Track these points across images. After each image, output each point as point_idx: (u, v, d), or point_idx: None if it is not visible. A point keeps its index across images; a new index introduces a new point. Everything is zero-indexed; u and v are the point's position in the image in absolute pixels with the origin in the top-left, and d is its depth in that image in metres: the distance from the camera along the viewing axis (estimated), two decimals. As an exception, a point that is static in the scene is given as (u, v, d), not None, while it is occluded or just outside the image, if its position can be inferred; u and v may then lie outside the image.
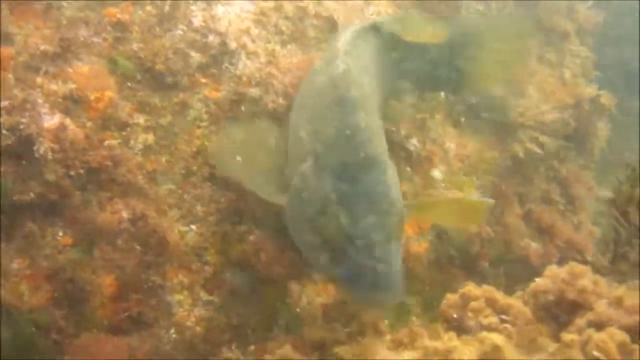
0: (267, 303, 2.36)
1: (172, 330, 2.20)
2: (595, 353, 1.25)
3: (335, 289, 2.41)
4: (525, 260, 2.87)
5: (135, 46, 2.32)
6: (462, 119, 2.97)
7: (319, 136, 1.77)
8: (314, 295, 2.48)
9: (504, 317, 1.72)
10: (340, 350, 1.67)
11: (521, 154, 2.87)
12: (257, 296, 2.35)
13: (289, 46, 2.61)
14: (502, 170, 2.94)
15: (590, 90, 3.12)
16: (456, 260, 2.77)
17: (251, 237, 2.34)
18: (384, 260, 1.55)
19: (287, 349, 1.68)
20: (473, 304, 1.72)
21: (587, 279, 1.50)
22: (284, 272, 2.38)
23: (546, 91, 3.03)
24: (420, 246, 2.73)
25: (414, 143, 2.73)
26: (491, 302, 1.73)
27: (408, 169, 2.74)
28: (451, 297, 1.74)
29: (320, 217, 1.64)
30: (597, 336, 1.28)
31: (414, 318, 2.50)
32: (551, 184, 3.01)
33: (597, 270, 1.88)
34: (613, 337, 1.31)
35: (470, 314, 1.71)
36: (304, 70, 2.50)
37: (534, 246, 2.87)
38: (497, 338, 1.39)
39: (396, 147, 2.72)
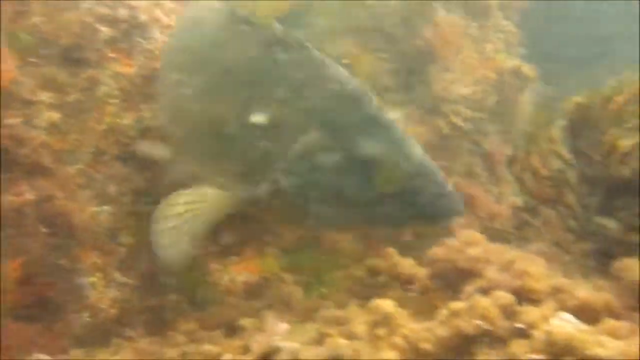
0: (186, 282, 2.33)
1: (86, 314, 2.14)
2: (477, 321, 1.27)
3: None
4: (450, 232, 2.92)
5: (37, 19, 2.21)
6: (390, 95, 2.99)
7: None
8: (235, 273, 2.47)
9: (408, 286, 1.75)
10: (244, 322, 1.66)
11: (446, 129, 2.90)
12: (176, 276, 2.31)
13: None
14: (427, 145, 2.98)
15: (511, 64, 3.17)
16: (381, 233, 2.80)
17: (168, 216, 2.29)
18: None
19: (192, 325, 1.65)
20: (380, 277, 1.74)
21: (479, 247, 1.53)
22: (203, 250, 2.36)
23: (469, 65, 3.07)
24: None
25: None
26: (396, 273, 1.75)
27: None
28: (357, 270, 1.76)
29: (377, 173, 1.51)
30: (481, 302, 1.30)
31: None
32: (474, 157, 3.06)
33: (503, 237, 1.93)
34: (497, 300, 1.34)
35: (376, 287, 1.73)
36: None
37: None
38: (388, 306, 1.41)
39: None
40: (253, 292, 2.43)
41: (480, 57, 3.12)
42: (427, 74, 3.02)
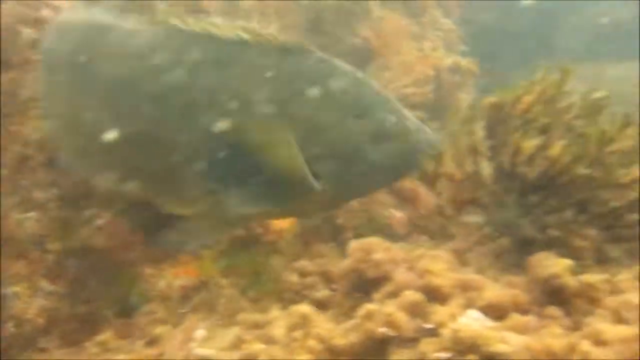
0: (119, 289, 2.28)
1: (10, 324, 2.08)
2: (382, 329, 1.28)
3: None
4: (390, 229, 2.95)
5: (-48, 21, 2.13)
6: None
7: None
8: (172, 277, 2.44)
9: (334, 286, 1.76)
10: (161, 329, 1.64)
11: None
12: (107, 282, 2.27)
13: (136, 20, 2.49)
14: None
15: (449, 60, 3.21)
16: (322, 232, 2.80)
17: (99, 222, 2.24)
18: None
19: (110, 335, 1.62)
20: (308, 279, 1.74)
21: (380, 251, 1.54)
22: (137, 255, 2.31)
23: (408, 63, 3.09)
24: (285, 221, 2.74)
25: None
26: (326, 275, 1.76)
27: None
28: (289, 276, 1.75)
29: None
30: (385, 309, 1.32)
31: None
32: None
33: (429, 233, 1.95)
34: (404, 301, 1.35)
35: (305, 290, 1.73)
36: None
37: (398, 215, 2.95)
38: (305, 309, 1.41)
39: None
40: (190, 296, 2.40)
41: (418, 55, 3.15)
42: (366, 72, 3.03)
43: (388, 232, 3.01)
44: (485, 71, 4.34)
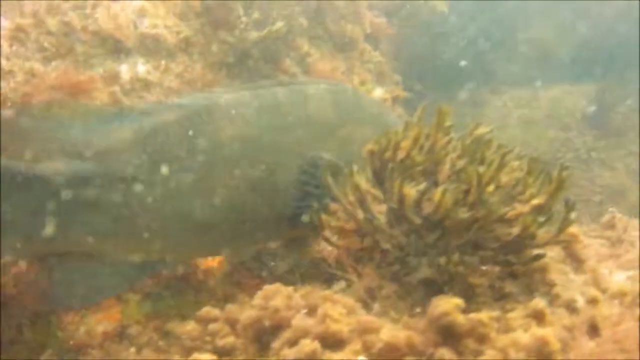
0: (35, 339, 2.23)
1: None
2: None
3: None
4: (322, 262, 2.96)
5: None
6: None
7: None
8: (94, 323, 2.39)
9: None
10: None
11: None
12: (23, 333, 2.21)
13: (53, 63, 2.48)
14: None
15: (378, 93, 3.28)
16: (253, 270, 2.79)
17: (13, 270, 2.19)
18: None
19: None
20: (212, 325, 1.72)
21: (280, 298, 1.54)
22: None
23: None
24: (214, 260, 2.72)
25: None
26: (232, 322, 1.74)
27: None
28: (189, 325, 1.73)
29: None
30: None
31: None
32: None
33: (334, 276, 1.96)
34: (301, 350, 1.36)
35: (208, 337, 1.71)
36: (68, 88, 2.40)
37: (329, 248, 2.96)
38: (205, 358, 1.40)
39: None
40: (113, 341, 2.35)
41: (347, 89, 3.20)
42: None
43: (324, 268, 3.05)
44: (420, 100, 4.45)
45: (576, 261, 1.86)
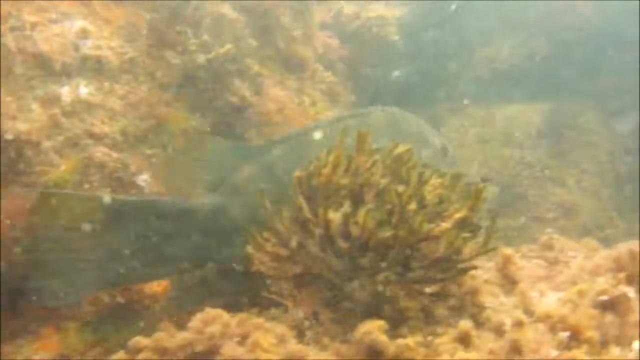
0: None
1: None
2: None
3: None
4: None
5: None
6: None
7: None
8: (31, 353, 2.32)
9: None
10: None
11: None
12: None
13: (-11, 87, 2.42)
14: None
15: (331, 115, 3.29)
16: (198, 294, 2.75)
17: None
18: None
19: None
20: (140, 355, 1.68)
21: (215, 324, 1.52)
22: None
23: (287, 118, 3.14)
24: (160, 285, 2.67)
25: (144, 179, 2.67)
26: (161, 351, 1.70)
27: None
28: (117, 356, 1.68)
29: None
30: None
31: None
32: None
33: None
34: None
35: (138, 367, 1.66)
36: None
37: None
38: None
39: (124, 185, 2.65)
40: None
41: (298, 110, 3.21)
42: (246, 130, 3.05)
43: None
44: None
45: (510, 283, 1.88)
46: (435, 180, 1.79)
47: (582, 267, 1.82)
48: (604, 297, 1.52)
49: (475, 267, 1.73)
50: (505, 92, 5.31)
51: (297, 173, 1.72)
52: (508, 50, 5.61)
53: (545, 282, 1.92)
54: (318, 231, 1.63)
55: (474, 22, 5.34)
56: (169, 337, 1.67)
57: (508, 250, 1.93)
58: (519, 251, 2.31)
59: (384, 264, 1.62)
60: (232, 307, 2.43)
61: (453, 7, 5.11)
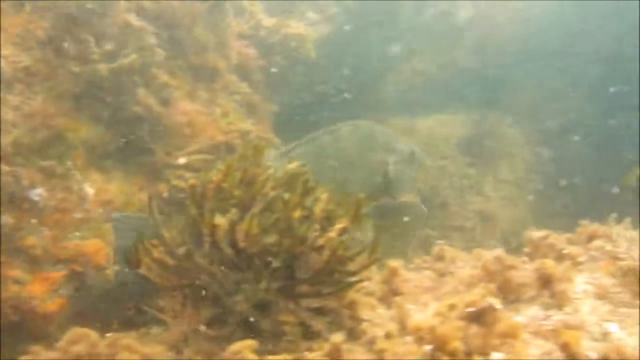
0: None
1: None
2: None
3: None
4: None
5: None
6: (109, 163, 2.90)
7: None
8: None
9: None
10: None
11: (165, 194, 2.87)
12: None
13: None
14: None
15: (244, 126, 3.26)
16: (101, 312, 2.65)
17: None
18: None
19: None
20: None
21: (84, 343, 1.47)
22: None
23: (197, 129, 3.09)
24: (54, 304, 2.57)
25: (38, 193, 2.56)
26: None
27: (34, 220, 2.57)
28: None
29: None
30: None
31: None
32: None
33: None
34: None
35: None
36: None
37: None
38: None
39: (16, 199, 2.53)
40: None
41: (209, 121, 3.16)
42: (149, 140, 2.98)
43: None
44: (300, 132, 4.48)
45: (393, 295, 1.90)
46: (323, 195, 1.80)
47: (461, 278, 1.86)
48: (471, 309, 1.54)
49: (360, 281, 1.74)
50: (428, 103, 5.43)
51: (192, 181, 1.70)
52: (431, 63, 5.74)
53: (430, 293, 1.95)
54: (206, 238, 1.61)
55: (398, 35, 5.43)
56: (34, 358, 1.60)
57: (394, 263, 1.95)
58: (413, 262, 2.35)
59: (265, 273, 1.60)
60: (129, 324, 2.38)
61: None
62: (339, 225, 1.70)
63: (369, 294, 1.80)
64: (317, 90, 4.68)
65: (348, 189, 2.88)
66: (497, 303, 1.55)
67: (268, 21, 4.02)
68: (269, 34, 3.97)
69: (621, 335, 1.62)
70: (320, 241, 1.65)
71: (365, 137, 2.99)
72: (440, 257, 2.24)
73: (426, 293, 1.95)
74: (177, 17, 3.23)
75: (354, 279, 1.73)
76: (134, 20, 2.99)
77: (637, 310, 1.74)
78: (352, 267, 1.73)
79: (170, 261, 1.70)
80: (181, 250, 1.68)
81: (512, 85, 5.70)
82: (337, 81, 4.91)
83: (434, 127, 5.29)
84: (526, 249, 2.16)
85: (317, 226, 1.66)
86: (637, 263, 1.91)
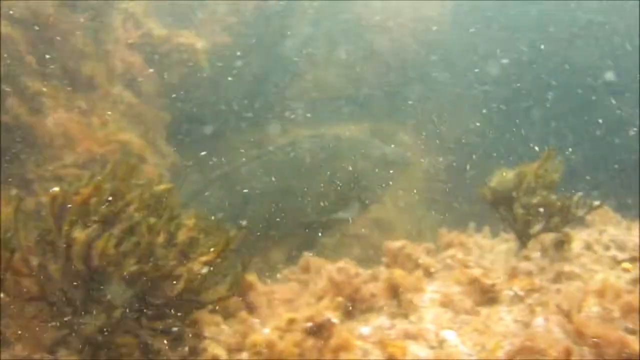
0: None
1: None
2: None
3: None
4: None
5: None
6: None
7: None
8: None
9: None
10: None
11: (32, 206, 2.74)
12: None
13: None
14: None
15: (125, 137, 3.17)
16: None
17: None
18: None
19: None
20: None
21: None
22: None
23: (71, 140, 2.97)
24: None
25: None
26: None
27: None
28: None
29: None
30: None
31: None
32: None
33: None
34: None
35: None
36: None
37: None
38: None
39: None
40: None
41: (85, 131, 3.05)
42: (19, 151, 2.84)
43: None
44: (196, 142, 4.43)
45: (249, 309, 1.90)
46: (189, 222, 1.78)
47: (313, 291, 1.88)
48: (309, 324, 1.57)
49: (205, 305, 1.73)
50: (332, 114, 5.51)
51: (53, 192, 1.63)
52: (333, 74, 5.83)
53: (287, 305, 1.96)
54: (60, 251, 1.54)
55: (300, 47, 5.48)
56: None
57: (250, 277, 1.95)
58: (281, 273, 2.37)
59: (119, 298, 1.56)
60: None
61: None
62: (202, 258, 1.69)
63: (214, 311, 1.78)
64: (214, 101, 4.63)
65: (306, 196, 3.38)
66: (333, 317, 1.58)
67: (159, 31, 3.94)
68: (160, 44, 3.90)
69: (456, 342, 1.69)
70: (180, 270, 1.63)
71: (328, 146, 3.38)
72: (305, 269, 2.26)
73: (284, 305, 1.96)
74: (54, 23, 3.10)
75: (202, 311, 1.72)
76: (4, 26, 2.85)
77: (477, 317, 1.83)
78: (206, 297, 1.73)
79: (24, 270, 1.62)
80: (34, 261, 1.61)
81: (414, 97, 5.89)
82: (236, 91, 4.88)
83: (339, 136, 5.36)
84: (384, 259, 2.23)
85: (174, 255, 1.63)
86: (482, 271, 2.01)
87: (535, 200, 2.12)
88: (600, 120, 5.50)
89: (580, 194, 2.20)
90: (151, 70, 3.73)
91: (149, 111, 3.67)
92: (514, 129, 5.84)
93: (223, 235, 1.77)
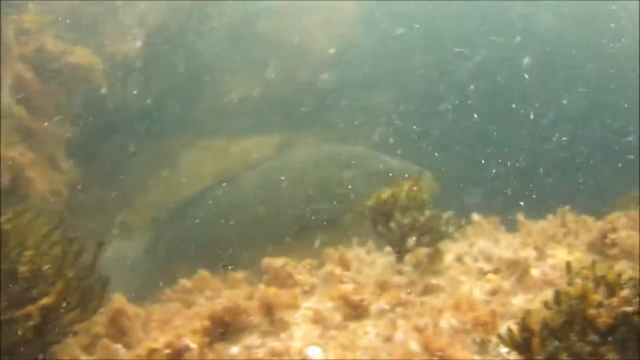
0: None
1: None
2: None
3: None
4: None
5: None
6: None
7: None
8: None
9: None
10: None
11: None
12: None
13: None
14: None
15: (9, 153, 3.05)
16: None
17: None
18: None
19: None
20: None
21: None
22: None
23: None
24: None
25: None
26: None
27: None
28: None
29: None
30: None
31: None
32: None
33: None
34: None
35: None
36: None
37: None
38: None
39: None
40: None
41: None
42: None
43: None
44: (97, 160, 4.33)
45: (122, 334, 1.89)
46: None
47: (198, 312, 1.90)
48: (168, 351, 1.59)
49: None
50: (243, 126, 5.50)
51: None
52: (242, 86, 5.82)
53: (160, 329, 1.96)
54: None
55: (210, 58, 5.45)
56: None
57: (120, 300, 1.94)
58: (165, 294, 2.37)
59: None
60: None
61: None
62: (44, 301, 1.66)
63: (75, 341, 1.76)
64: (118, 115, 4.53)
65: (298, 203, 3.63)
66: (190, 343, 1.60)
67: (55, 45, 3.81)
68: (53, 59, 3.77)
69: (319, 358, 1.75)
70: (19, 316, 1.60)
71: (314, 158, 3.69)
72: (187, 289, 2.27)
73: (158, 329, 1.96)
74: None
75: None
76: None
77: (344, 332, 1.90)
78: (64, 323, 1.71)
79: None
80: None
81: (326, 109, 5.97)
82: (140, 104, 4.80)
83: (248, 148, 5.39)
84: (265, 276, 2.27)
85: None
86: (355, 286, 2.09)
87: (406, 221, 2.24)
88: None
89: (450, 212, 2.33)
90: (45, 85, 3.61)
91: (41, 127, 3.55)
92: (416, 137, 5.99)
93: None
